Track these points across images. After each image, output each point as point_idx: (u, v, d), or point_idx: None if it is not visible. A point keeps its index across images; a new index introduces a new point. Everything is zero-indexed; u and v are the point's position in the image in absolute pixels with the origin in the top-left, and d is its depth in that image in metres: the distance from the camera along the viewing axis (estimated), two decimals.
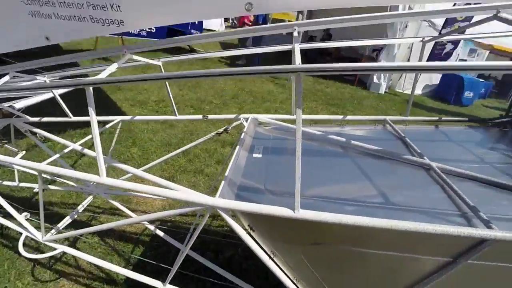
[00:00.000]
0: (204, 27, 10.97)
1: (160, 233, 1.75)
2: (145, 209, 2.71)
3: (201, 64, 7.98)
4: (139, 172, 1.28)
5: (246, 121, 1.67)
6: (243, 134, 1.48)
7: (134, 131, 4.57)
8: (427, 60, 7.83)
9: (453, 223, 0.99)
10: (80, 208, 2.19)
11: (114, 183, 1.13)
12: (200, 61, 8.16)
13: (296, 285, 1.14)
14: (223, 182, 1.05)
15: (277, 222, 0.98)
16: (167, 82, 1.74)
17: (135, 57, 1.41)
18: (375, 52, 8.41)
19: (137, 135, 4.41)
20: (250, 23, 8.03)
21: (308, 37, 10.01)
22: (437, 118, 1.90)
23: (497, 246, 0.91)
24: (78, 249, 1.97)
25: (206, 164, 3.55)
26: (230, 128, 1.76)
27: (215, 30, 14.94)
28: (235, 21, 16.97)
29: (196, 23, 8.70)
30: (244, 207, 0.92)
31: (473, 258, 0.93)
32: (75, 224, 2.24)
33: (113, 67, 1.20)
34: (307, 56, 9.93)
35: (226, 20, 17.97)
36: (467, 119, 1.93)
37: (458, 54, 9.56)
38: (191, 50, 9.09)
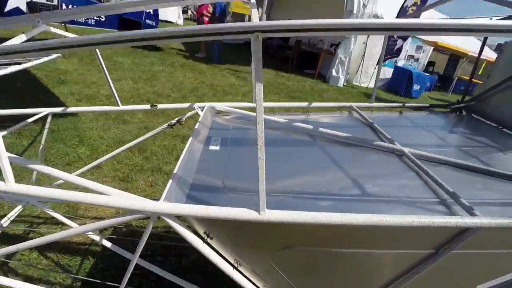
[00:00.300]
0: (160, 18, 10.31)
1: (107, 243, 1.47)
2: (96, 215, 2.38)
3: (158, 56, 7.49)
4: (66, 175, 1.01)
5: (202, 110, 1.46)
6: (197, 124, 1.27)
7: (81, 129, 4.10)
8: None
9: (434, 212, 0.89)
10: (5, 221, 1.80)
11: (23, 190, 0.85)
12: (158, 54, 7.66)
13: None
14: (170, 181, 0.84)
15: (240, 226, 0.81)
16: (103, 65, 1.45)
17: (53, 30, 1.11)
18: (333, 47, 8.62)
19: (85, 133, 3.95)
20: (209, 15, 7.70)
21: None
22: (401, 104, 1.87)
23: (481, 234, 0.83)
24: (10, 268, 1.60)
25: (164, 161, 3.26)
26: (184, 118, 1.54)
27: (172, 22, 14.22)
28: (193, 12, 16.34)
29: (151, 12, 8.11)
30: (195, 211, 0.72)
31: (457, 248, 0.85)
32: (6, 239, 1.85)
33: (19, 39, 0.90)
34: (268, 50, 9.88)
35: (184, 11, 17.24)
36: (428, 105, 1.92)
37: (407, 50, 10.25)
38: None
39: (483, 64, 8.93)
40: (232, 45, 10.48)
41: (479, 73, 9.56)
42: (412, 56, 10.66)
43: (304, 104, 1.60)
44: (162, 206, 0.73)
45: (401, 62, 9.81)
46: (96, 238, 1.99)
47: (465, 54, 8.69)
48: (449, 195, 0.93)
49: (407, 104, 1.86)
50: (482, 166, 1.14)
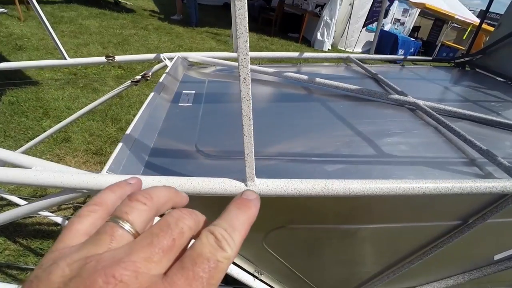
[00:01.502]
0: None
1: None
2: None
3: (129, 18, 6.78)
4: None
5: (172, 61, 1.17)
6: (163, 76, 0.99)
7: (45, 99, 3.69)
8: (367, 17, 7.85)
9: (465, 175, 0.71)
10: None
11: None
12: (129, 16, 6.94)
13: (259, 279, 0.80)
14: (118, 146, 0.59)
15: (223, 203, 0.59)
16: (44, 19, 1.11)
17: None
18: (318, 8, 8.11)
19: (49, 104, 3.57)
20: None
21: None
22: (402, 57, 1.65)
23: None
24: None
25: None
26: (150, 73, 1.24)
27: None
28: None
29: None
30: (153, 183, 0.49)
31: (494, 217, 0.68)
32: None
33: None
34: (249, 12, 9.19)
35: None
36: (431, 58, 1.71)
37: (394, 13, 9.88)
38: (116, 3, 7.66)
39: (468, 28, 8.79)
40: (210, 7, 9.71)
41: (464, 38, 9.47)
42: (398, 20, 10.34)
43: (295, 54, 1.34)
44: (102, 180, 0.49)
45: (387, 26, 9.51)
46: (58, 219, 1.75)
47: (452, 17, 8.46)
48: (482, 154, 0.74)
49: (409, 57, 1.64)
50: (509, 121, 0.96)
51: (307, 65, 1.37)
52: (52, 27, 1.18)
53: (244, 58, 0.39)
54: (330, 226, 0.65)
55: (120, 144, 0.60)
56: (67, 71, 4.64)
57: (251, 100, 0.41)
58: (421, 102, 0.98)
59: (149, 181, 0.51)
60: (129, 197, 0.27)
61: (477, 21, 8.63)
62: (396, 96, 1.01)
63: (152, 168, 0.61)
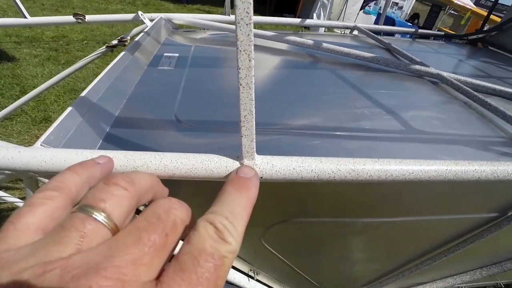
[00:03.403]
0: None
1: None
2: None
3: None
4: None
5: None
6: (141, 35, 0.81)
7: (22, 76, 3.47)
8: None
9: (507, 156, 0.58)
10: None
11: None
12: None
13: (254, 279, 0.67)
14: (64, 113, 0.43)
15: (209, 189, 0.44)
16: None
17: None
18: None
19: (27, 82, 3.36)
20: None
21: None
22: (413, 30, 1.49)
23: None
24: None
25: None
26: (128, 37, 1.06)
27: None
28: None
29: None
30: (117, 159, 0.33)
31: None
32: None
33: None
34: None
35: None
36: (443, 33, 1.56)
37: None
38: None
39: (467, 14, 8.64)
40: None
41: (461, 23, 9.33)
42: (396, 4, 10.11)
43: (297, 20, 1.16)
44: (31, 156, 0.33)
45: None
46: None
47: (451, 1, 8.27)
48: None
49: (420, 30, 1.48)
50: None
51: (310, 33, 1.20)
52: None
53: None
54: (347, 219, 0.51)
55: (68, 109, 0.44)
56: (47, 47, 4.36)
57: (251, 63, 0.25)
58: (445, 74, 0.83)
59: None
60: (106, 181, 0.21)
61: (475, 7, 8.49)
62: (417, 67, 0.85)
63: (114, 142, 0.45)
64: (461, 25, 9.00)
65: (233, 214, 0.21)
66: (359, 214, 0.50)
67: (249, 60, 0.25)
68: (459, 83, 0.78)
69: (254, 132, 0.31)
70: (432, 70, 0.85)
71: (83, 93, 0.49)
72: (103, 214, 0.19)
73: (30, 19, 1.05)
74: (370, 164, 0.36)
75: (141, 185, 0.23)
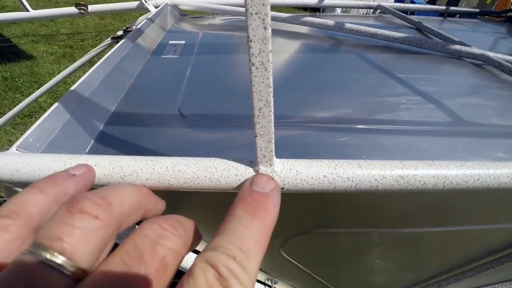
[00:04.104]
0: None
1: None
2: None
3: None
4: None
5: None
6: (143, 22, 0.74)
7: (40, 74, 3.55)
8: None
9: None
10: None
11: None
12: None
13: None
14: (48, 111, 0.36)
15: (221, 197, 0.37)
16: None
17: None
18: None
19: (45, 79, 3.44)
20: None
21: None
22: (443, 7, 1.34)
23: None
24: None
25: None
26: (134, 27, 0.99)
27: None
28: None
29: None
30: (104, 163, 0.27)
31: None
32: None
33: None
34: None
35: None
36: (478, 10, 1.40)
37: None
38: None
39: None
40: None
41: (488, 2, 8.76)
42: None
43: (314, 0, 1.06)
44: (1, 163, 0.27)
45: None
46: None
47: None
48: None
49: (452, 8, 1.33)
50: None
51: (328, 14, 1.09)
52: None
53: None
54: (384, 230, 0.43)
55: (54, 105, 0.38)
56: (63, 45, 4.43)
57: (268, 52, 0.17)
58: (491, 54, 0.71)
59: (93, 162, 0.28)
60: (69, 206, 0.16)
61: None
62: (456, 47, 0.74)
63: (107, 143, 0.39)
64: (487, 5, 8.43)
65: (244, 250, 0.16)
66: (399, 224, 0.41)
67: (264, 27, 0.17)
68: (509, 64, 0.66)
69: (273, 130, 0.23)
70: (474, 50, 0.73)
71: (73, 87, 0.42)
72: (61, 257, 0.14)
73: (33, 12, 1.00)
74: (423, 168, 0.27)
75: (123, 206, 0.18)
